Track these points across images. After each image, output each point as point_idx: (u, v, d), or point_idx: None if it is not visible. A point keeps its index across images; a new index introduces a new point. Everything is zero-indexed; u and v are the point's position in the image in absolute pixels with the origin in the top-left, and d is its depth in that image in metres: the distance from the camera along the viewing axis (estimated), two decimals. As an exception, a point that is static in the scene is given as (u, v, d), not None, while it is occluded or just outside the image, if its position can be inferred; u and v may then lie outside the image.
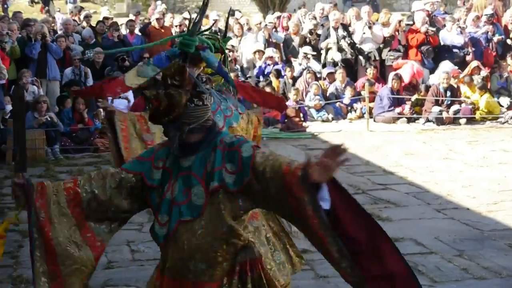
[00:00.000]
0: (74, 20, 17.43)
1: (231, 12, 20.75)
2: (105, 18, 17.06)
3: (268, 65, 15.68)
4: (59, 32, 15.26)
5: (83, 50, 14.25)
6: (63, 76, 13.59)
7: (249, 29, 16.94)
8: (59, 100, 12.51)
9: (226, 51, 5.25)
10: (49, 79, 13.31)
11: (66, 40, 14.20)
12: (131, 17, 18.31)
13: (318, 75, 15.51)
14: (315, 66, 15.82)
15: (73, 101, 12.19)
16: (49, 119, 11.58)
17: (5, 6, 37.05)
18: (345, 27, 15.94)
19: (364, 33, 15.48)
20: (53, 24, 17.30)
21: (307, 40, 16.34)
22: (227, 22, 6.01)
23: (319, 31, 16.50)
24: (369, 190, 9.17)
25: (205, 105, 3.35)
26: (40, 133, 11.34)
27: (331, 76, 15.31)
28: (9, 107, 11.26)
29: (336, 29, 15.76)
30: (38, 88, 12.38)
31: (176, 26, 16.69)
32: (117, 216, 3.47)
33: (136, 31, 16.10)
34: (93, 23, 16.88)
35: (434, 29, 16.12)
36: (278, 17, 18.40)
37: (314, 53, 15.94)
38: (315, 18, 17.38)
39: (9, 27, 13.76)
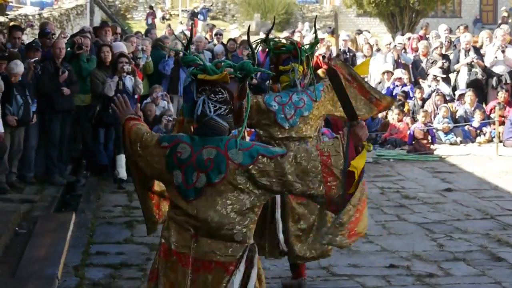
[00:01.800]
0: (206, 38, 17.93)
1: (358, 32, 20.95)
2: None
3: (397, 86, 15.64)
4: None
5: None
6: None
7: (378, 49, 16.97)
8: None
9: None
10: (180, 95, 13.59)
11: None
12: (261, 35, 18.67)
13: (448, 97, 15.33)
14: (444, 88, 15.65)
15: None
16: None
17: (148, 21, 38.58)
18: (477, 49, 15.69)
19: (496, 57, 15.16)
20: (184, 41, 17.86)
21: (437, 62, 16.18)
22: (315, 29, 6.36)
23: (449, 52, 16.34)
24: (497, 216, 9.01)
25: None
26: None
27: (461, 98, 15.09)
28: (140, 122, 11.66)
29: (467, 51, 15.55)
30: (168, 103, 12.64)
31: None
32: None
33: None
34: (224, 41, 17.33)
35: None
36: (408, 38, 18.34)
37: (444, 75, 15.78)
38: (444, 42, 17.17)
39: (142, 43, 14.37)
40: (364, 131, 3.73)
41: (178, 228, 3.74)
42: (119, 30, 15.54)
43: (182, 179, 3.69)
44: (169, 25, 38.20)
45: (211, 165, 3.65)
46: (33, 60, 10.38)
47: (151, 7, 41.62)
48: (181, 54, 13.13)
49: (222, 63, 3.82)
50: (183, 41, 4.28)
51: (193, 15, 38.21)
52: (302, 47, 6.01)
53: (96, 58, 11.34)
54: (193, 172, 3.67)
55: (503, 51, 15.13)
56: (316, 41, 6.27)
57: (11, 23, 13.31)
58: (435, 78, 15.62)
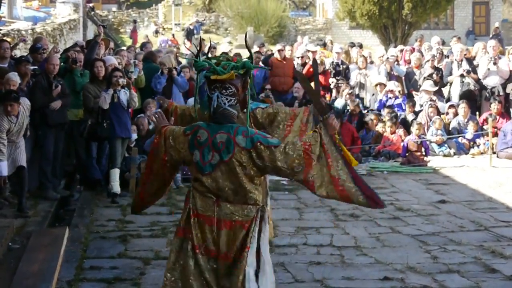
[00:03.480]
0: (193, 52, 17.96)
1: (351, 45, 21.04)
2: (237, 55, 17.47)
3: (390, 98, 15.69)
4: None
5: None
6: (188, 105, 13.84)
7: (371, 62, 17.03)
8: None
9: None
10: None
11: (190, 71, 14.61)
12: (255, 49, 18.71)
13: (441, 110, 15.36)
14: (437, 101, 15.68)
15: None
16: None
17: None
18: (469, 60, 15.75)
19: (488, 69, 15.20)
20: (177, 54, 17.90)
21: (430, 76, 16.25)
22: (246, 44, 5.77)
23: (440, 65, 16.41)
24: (491, 227, 9.02)
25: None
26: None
27: (453, 110, 15.12)
28: (134, 136, 11.67)
29: (460, 61, 15.61)
30: None
31: (298, 57, 16.96)
32: None
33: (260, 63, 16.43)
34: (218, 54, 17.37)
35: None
36: (401, 50, 18.42)
37: (436, 88, 15.82)
38: (436, 54, 17.22)
39: (136, 57, 14.36)
40: (335, 121, 4.82)
41: (201, 196, 4.85)
42: (111, 44, 15.54)
43: (200, 157, 4.78)
44: (173, 35, 38.37)
45: (223, 147, 4.73)
46: (32, 68, 10.38)
47: (134, 21, 41.78)
48: (174, 72, 13.26)
49: (227, 65, 4.83)
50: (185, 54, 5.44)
51: (189, 33, 38.23)
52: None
53: (88, 72, 11.36)
54: (209, 152, 4.76)
55: (494, 63, 15.16)
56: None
57: (3, 38, 13.31)
58: (428, 94, 15.62)
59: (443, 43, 20.41)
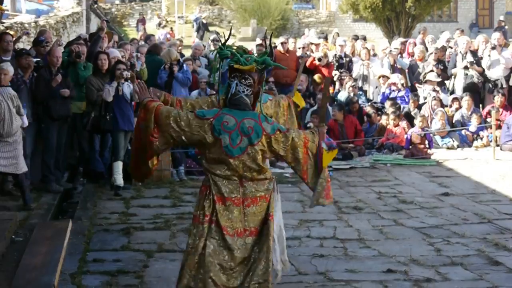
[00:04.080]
0: (204, 46, 17.90)
1: (355, 37, 21.00)
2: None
3: (393, 91, 15.66)
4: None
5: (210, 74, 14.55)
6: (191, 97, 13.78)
7: (375, 54, 16.97)
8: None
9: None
10: None
11: (193, 64, 14.59)
12: (258, 41, 18.66)
13: (445, 102, 15.34)
14: (441, 93, 15.65)
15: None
16: None
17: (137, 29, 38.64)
18: (474, 53, 15.71)
19: (489, 55, 15.15)
20: (180, 47, 17.88)
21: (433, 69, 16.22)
22: (264, 41, 6.30)
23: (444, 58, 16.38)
24: (495, 220, 9.01)
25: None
26: (166, 154, 11.58)
27: (456, 102, 15.09)
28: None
29: (465, 54, 15.57)
30: None
31: (299, 48, 16.90)
32: None
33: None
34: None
35: None
36: (403, 43, 18.35)
37: (439, 79, 15.79)
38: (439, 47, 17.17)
39: (139, 50, 14.34)
40: (324, 132, 5.62)
41: (224, 180, 5.31)
42: (116, 38, 15.51)
43: (229, 141, 5.23)
44: (171, 28, 38.28)
45: (252, 131, 5.27)
46: (35, 60, 10.37)
47: (140, 14, 41.67)
48: (175, 68, 13.17)
49: (250, 58, 5.36)
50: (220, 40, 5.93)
51: (201, 27, 37.84)
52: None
53: (91, 65, 11.35)
54: (238, 136, 5.25)
55: (493, 48, 15.11)
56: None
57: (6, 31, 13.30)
58: (431, 85, 15.62)
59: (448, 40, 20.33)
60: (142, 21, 40.33)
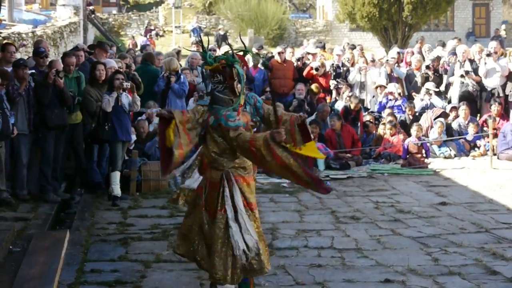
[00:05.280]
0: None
1: (352, 46, 21.05)
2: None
3: (390, 100, 15.70)
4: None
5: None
6: (188, 107, 13.69)
7: (373, 60, 16.94)
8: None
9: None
10: None
11: (191, 74, 14.63)
12: (254, 51, 18.71)
13: (437, 105, 15.38)
14: (437, 102, 15.70)
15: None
16: None
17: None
18: (472, 61, 15.74)
19: (485, 63, 15.20)
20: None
21: (428, 77, 16.28)
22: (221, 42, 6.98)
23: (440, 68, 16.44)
24: (492, 229, 9.01)
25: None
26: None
27: (454, 111, 15.13)
28: (133, 137, 11.67)
29: (463, 62, 15.62)
30: None
31: (297, 60, 16.95)
32: None
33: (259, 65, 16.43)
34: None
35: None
36: (398, 53, 18.38)
37: (437, 89, 15.84)
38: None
39: (136, 60, 14.38)
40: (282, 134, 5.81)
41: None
42: (113, 49, 15.53)
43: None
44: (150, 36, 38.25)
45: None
46: (30, 72, 10.39)
47: (149, 24, 41.72)
48: (172, 78, 13.17)
49: (216, 57, 6.09)
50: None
51: (222, 39, 37.64)
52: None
53: (83, 75, 11.38)
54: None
55: (488, 55, 15.16)
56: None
57: (4, 41, 13.32)
58: (428, 91, 15.70)
59: (444, 45, 20.38)
60: (149, 31, 40.29)
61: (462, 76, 15.44)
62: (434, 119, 14.86)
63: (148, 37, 38.60)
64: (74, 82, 11.23)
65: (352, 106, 14.96)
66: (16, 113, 10.10)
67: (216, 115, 5.93)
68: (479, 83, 15.46)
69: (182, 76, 13.55)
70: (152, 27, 41.65)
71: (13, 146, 10.38)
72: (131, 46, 36.44)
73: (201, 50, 6.38)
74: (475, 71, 15.49)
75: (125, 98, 10.68)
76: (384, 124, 14.58)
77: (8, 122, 9.75)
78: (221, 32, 38.61)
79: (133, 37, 38.72)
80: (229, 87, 6.00)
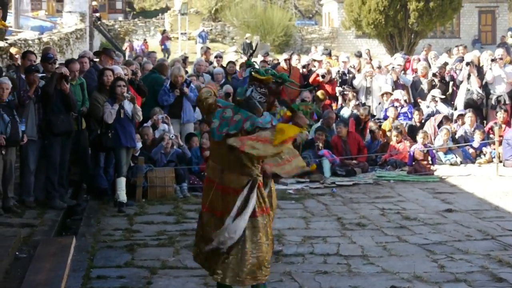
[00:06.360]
0: (207, 61, 17.92)
1: (358, 54, 21.05)
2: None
3: (396, 107, 15.69)
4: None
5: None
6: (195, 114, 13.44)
7: (379, 67, 16.91)
8: (187, 138, 12.69)
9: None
10: (183, 123, 13.14)
11: (197, 80, 14.61)
12: (260, 58, 18.72)
13: (443, 112, 15.37)
14: (443, 109, 15.70)
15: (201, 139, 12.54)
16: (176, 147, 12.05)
17: (163, 47, 38.73)
18: (479, 68, 15.74)
19: (491, 68, 15.20)
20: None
21: (434, 83, 16.28)
22: (249, 49, 7.25)
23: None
24: (498, 236, 9.00)
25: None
26: (169, 171, 11.60)
27: (460, 119, 15.13)
28: (139, 145, 11.69)
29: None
30: (168, 125, 12.55)
31: (303, 67, 16.97)
32: None
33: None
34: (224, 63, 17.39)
35: None
36: (407, 60, 18.38)
37: (443, 96, 15.83)
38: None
39: (144, 67, 14.40)
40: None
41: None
42: (121, 58, 15.58)
43: (217, 126, 6.13)
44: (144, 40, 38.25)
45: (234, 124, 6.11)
46: (40, 75, 10.42)
47: (164, 31, 41.74)
48: (186, 90, 12.98)
49: (269, 70, 6.29)
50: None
51: (247, 47, 37.35)
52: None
53: (85, 82, 11.44)
54: (226, 126, 6.09)
55: (493, 60, 15.15)
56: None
57: (11, 48, 13.38)
58: (433, 98, 15.71)
59: (450, 50, 20.40)
60: (166, 38, 40.20)
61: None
62: (437, 125, 14.85)
63: (143, 43, 38.63)
64: (78, 88, 11.26)
65: (362, 117, 14.99)
66: (26, 119, 10.15)
67: (253, 121, 6.05)
68: (484, 89, 15.45)
69: (192, 84, 13.29)
70: (168, 35, 41.59)
71: (21, 153, 10.42)
72: (128, 50, 36.55)
73: (248, 59, 6.71)
74: (481, 77, 15.48)
75: (128, 105, 10.71)
76: (390, 130, 14.58)
77: (17, 128, 9.80)
78: (247, 41, 38.64)
79: (129, 40, 38.83)
80: (268, 103, 6.20)
